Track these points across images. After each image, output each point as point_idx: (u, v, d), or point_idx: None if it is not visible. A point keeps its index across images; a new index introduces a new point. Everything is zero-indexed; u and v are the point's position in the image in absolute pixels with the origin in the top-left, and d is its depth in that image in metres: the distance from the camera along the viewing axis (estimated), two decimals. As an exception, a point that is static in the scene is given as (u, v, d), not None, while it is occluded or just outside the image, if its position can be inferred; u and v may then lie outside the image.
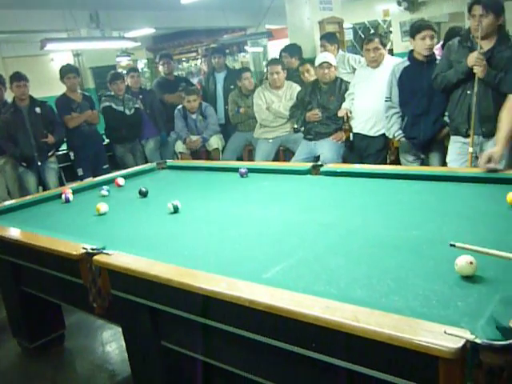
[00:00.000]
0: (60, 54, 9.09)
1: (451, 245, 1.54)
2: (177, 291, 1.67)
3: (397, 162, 4.15)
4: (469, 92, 3.38)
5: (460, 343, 1.12)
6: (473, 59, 3.25)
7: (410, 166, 3.78)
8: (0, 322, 3.33)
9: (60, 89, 5.33)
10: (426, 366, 1.17)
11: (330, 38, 5.28)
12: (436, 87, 3.56)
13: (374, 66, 4.25)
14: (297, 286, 1.50)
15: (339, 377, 1.47)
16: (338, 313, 1.31)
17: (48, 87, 7.08)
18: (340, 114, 4.44)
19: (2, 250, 2.68)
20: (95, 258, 1.97)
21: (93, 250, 2.01)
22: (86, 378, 2.73)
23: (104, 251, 1.99)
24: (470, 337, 1.13)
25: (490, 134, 3.36)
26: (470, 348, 1.12)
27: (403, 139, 3.94)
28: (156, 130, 5.78)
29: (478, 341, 1.11)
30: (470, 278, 1.51)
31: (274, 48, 7.68)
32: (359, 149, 4.39)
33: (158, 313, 1.92)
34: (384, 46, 4.21)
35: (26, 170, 4.87)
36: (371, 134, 4.27)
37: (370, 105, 4.23)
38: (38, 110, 4.87)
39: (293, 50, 5.63)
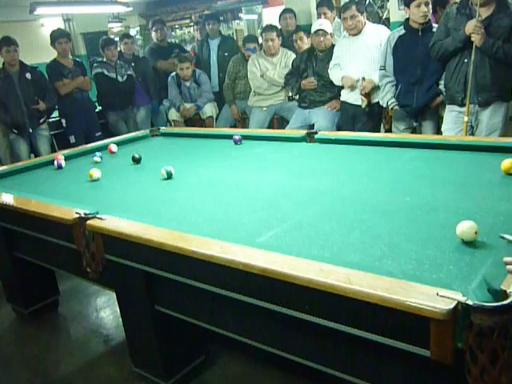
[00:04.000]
0: (50, 20, 8.87)
1: (501, 237, 1.49)
2: (170, 255, 1.68)
3: (391, 131, 4.13)
4: (466, 60, 3.34)
5: (452, 305, 1.13)
6: (471, 27, 3.20)
7: (404, 134, 3.76)
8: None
9: (50, 56, 5.21)
10: (418, 327, 1.18)
11: (330, 5, 5.14)
12: (433, 55, 3.52)
13: (353, 33, 4.18)
14: (291, 250, 1.51)
15: (331, 339, 1.49)
16: (331, 275, 1.31)
17: (38, 54, 6.91)
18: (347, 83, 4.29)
19: (-6, 216, 2.66)
20: (88, 222, 1.96)
21: (86, 214, 2.01)
22: (81, 343, 2.75)
23: (97, 216, 1.99)
24: (462, 298, 1.14)
25: (485, 103, 3.35)
26: (461, 309, 1.13)
27: (396, 107, 3.92)
28: (147, 99, 5.71)
29: (469, 302, 1.12)
30: (463, 243, 1.52)
31: (269, 15, 7.53)
32: (352, 117, 4.34)
33: (152, 277, 1.93)
34: (361, 13, 4.13)
35: (18, 136, 4.81)
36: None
37: (359, 74, 4.18)
38: (28, 75, 4.78)
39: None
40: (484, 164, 2.35)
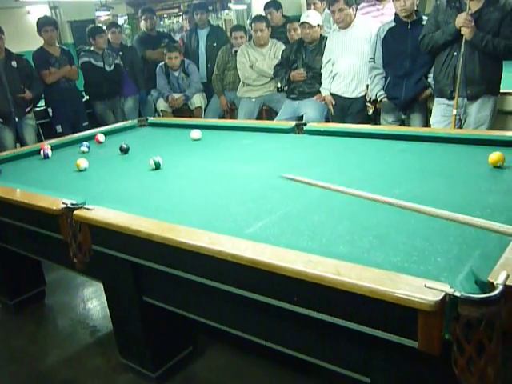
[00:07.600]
0: (36, 7, 8.76)
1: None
2: (158, 246, 1.66)
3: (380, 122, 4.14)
4: (455, 54, 3.35)
5: (439, 296, 1.13)
6: (461, 20, 3.21)
7: (393, 126, 3.77)
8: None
9: (37, 44, 5.13)
10: (406, 318, 1.18)
11: None
12: (423, 48, 3.52)
13: (341, 26, 4.18)
14: (279, 241, 1.50)
15: (319, 330, 1.50)
16: (319, 267, 1.31)
17: (24, 42, 6.80)
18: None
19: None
20: (75, 212, 1.94)
21: (73, 204, 1.99)
22: (68, 334, 2.73)
23: (84, 206, 1.96)
24: (450, 290, 1.14)
25: (474, 96, 3.37)
26: (448, 301, 1.14)
27: (385, 100, 3.93)
28: (135, 89, 5.65)
29: (457, 294, 1.13)
30: (449, 235, 1.53)
31: (259, 5, 7.47)
32: (341, 109, 4.34)
33: (140, 268, 1.92)
34: (350, 6, 4.13)
35: (3, 126, 4.72)
36: (354, 95, 4.23)
37: (350, 67, 4.18)
38: (14, 63, 4.69)
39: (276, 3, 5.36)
40: (472, 157, 2.36)
